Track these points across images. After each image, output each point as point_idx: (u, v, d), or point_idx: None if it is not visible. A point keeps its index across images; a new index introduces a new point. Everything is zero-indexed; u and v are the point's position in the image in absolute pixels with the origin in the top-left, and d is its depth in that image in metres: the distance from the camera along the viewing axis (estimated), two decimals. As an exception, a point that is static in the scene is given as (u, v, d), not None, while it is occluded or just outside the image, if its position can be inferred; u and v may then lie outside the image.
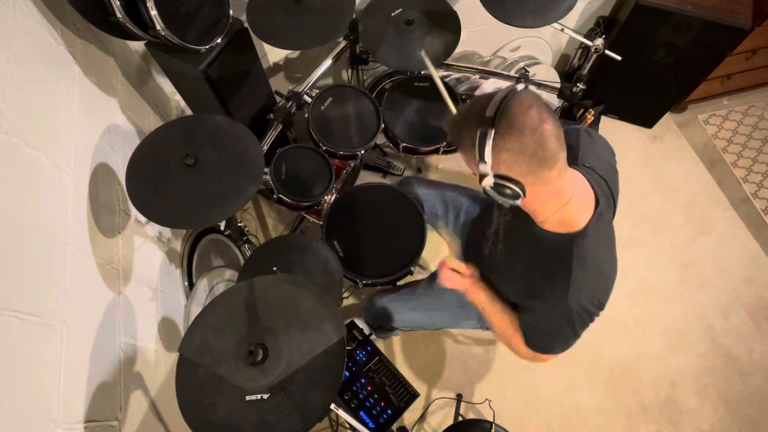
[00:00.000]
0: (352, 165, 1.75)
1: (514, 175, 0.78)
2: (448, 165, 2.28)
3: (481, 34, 2.03)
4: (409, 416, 1.70)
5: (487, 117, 0.75)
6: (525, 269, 0.98)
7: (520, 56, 2.22)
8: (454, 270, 1.16)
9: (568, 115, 1.82)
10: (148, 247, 1.37)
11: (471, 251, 1.28)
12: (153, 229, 1.40)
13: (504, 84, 1.89)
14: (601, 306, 0.90)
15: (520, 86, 0.79)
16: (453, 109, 1.19)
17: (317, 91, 1.57)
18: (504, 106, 0.75)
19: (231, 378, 0.84)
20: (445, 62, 1.55)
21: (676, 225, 2.19)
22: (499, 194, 0.80)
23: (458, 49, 1.51)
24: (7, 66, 0.89)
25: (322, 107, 1.56)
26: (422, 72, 1.70)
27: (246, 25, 1.42)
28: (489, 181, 0.79)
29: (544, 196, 0.82)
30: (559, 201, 0.84)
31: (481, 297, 1.12)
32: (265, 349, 0.85)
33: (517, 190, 0.78)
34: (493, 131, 0.74)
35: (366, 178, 2.16)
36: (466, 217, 1.43)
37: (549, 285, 0.90)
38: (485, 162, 0.77)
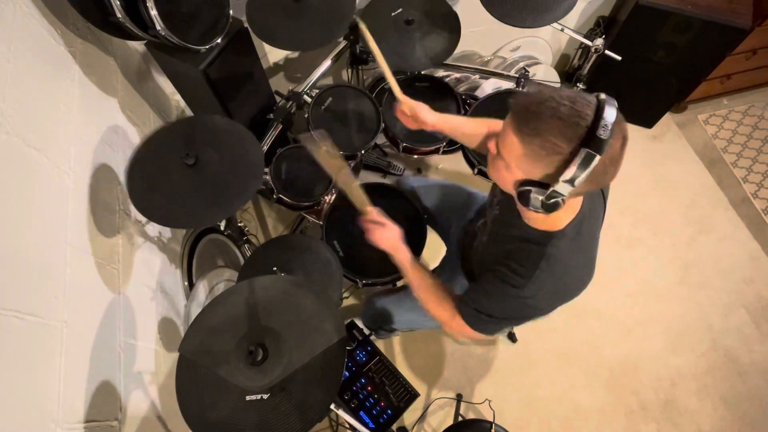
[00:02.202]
0: (352, 165, 1.75)
1: (570, 192, 0.73)
2: (448, 165, 2.28)
3: (481, 34, 2.04)
4: (409, 416, 1.70)
5: (599, 138, 0.66)
6: (500, 259, 0.96)
7: (520, 56, 2.23)
8: (374, 221, 1.07)
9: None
10: (148, 247, 1.37)
11: (468, 247, 1.28)
12: (153, 229, 1.40)
13: (504, 84, 1.89)
14: (547, 309, 0.91)
15: (615, 102, 0.69)
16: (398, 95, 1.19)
17: (317, 91, 1.57)
18: (616, 130, 0.67)
19: (231, 378, 0.84)
20: (445, 62, 1.55)
21: (676, 225, 2.19)
22: (541, 205, 0.76)
23: (458, 49, 1.51)
24: (7, 66, 0.89)
25: (322, 107, 1.56)
26: (422, 72, 1.70)
27: (246, 25, 1.41)
28: (546, 194, 0.74)
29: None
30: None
31: (406, 256, 1.06)
32: (265, 349, 0.86)
33: (562, 203, 0.74)
34: (598, 158, 0.67)
35: (366, 178, 2.16)
36: (464, 215, 1.43)
37: (514, 272, 0.89)
38: (573, 185, 0.70)
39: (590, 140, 0.66)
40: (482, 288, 0.96)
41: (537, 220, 0.88)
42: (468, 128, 1.15)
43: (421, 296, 1.07)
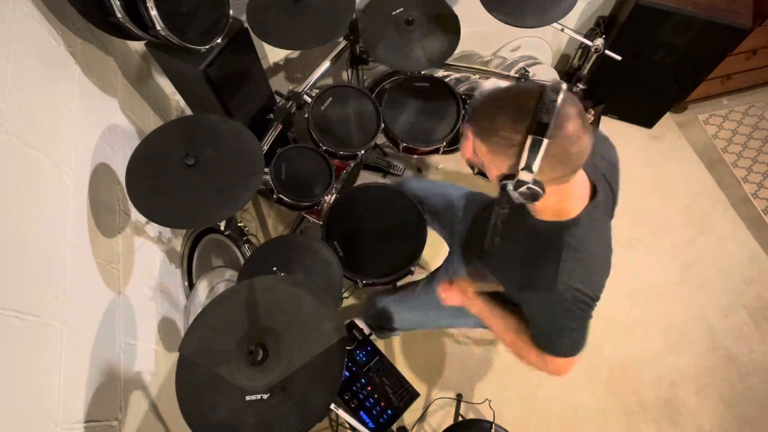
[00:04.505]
0: (352, 165, 1.75)
1: (542, 178, 0.76)
2: (448, 165, 2.27)
3: (481, 34, 2.03)
4: (409, 416, 1.70)
5: (541, 122, 0.70)
6: (520, 260, 0.98)
7: (520, 56, 2.22)
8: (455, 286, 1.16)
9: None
10: (148, 247, 1.37)
11: (472, 249, 1.28)
12: (153, 229, 1.40)
13: (504, 84, 1.89)
14: (594, 297, 0.89)
15: (564, 85, 0.73)
16: None
17: (317, 91, 1.57)
18: (559, 111, 0.70)
19: (231, 378, 0.84)
20: (445, 62, 1.55)
21: (676, 225, 2.19)
22: (520, 195, 0.79)
23: (458, 49, 1.51)
24: (7, 66, 0.89)
25: (322, 107, 1.56)
26: (422, 72, 1.70)
27: (246, 25, 1.42)
28: (513, 184, 0.76)
29: (553, 192, 0.81)
30: (560, 193, 0.83)
31: (480, 307, 1.11)
32: (265, 349, 0.85)
33: (539, 190, 0.76)
34: (546, 141, 0.70)
35: (366, 178, 2.16)
36: (466, 215, 1.43)
37: (540, 273, 0.90)
38: (530, 171, 0.73)
39: (535, 127, 0.71)
40: (531, 319, 0.98)
41: (545, 211, 0.89)
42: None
43: (506, 338, 1.08)
